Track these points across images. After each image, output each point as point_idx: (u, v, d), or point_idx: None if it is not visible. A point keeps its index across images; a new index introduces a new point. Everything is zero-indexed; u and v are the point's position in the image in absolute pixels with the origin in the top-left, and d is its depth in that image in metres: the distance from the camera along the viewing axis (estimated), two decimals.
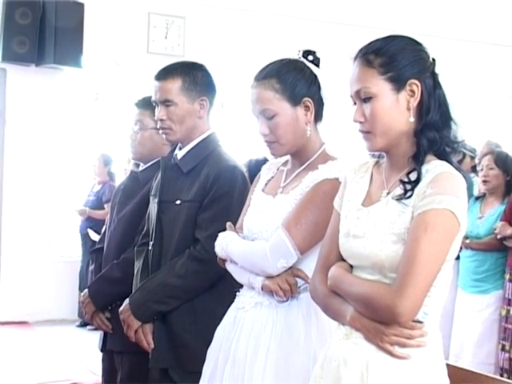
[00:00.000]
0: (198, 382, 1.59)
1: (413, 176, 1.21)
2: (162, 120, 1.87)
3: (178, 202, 1.83)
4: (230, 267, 1.57)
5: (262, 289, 1.48)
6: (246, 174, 1.92)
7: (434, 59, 1.25)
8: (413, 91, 1.22)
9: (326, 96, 1.56)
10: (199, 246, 1.77)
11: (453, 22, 6.43)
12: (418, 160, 1.22)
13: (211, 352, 1.58)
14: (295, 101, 1.52)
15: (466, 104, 5.80)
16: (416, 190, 1.19)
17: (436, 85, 1.24)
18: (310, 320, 1.47)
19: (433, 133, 1.22)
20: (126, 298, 1.87)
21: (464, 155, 3.84)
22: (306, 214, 1.46)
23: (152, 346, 1.79)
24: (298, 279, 1.48)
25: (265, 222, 1.52)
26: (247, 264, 1.51)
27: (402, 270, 1.15)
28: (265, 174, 1.65)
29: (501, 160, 3.51)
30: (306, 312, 1.48)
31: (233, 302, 1.59)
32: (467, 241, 3.41)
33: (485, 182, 3.52)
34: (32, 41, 5.11)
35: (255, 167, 2.97)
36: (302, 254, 1.47)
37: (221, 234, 1.59)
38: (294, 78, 1.52)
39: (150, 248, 1.88)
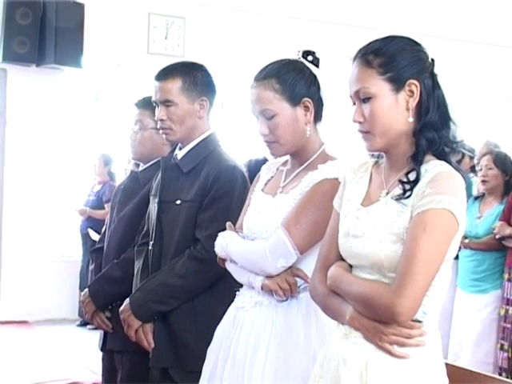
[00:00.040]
0: (198, 381, 1.59)
1: (412, 176, 1.21)
2: (162, 120, 1.87)
3: (178, 201, 1.83)
4: (229, 267, 1.58)
5: (262, 288, 1.49)
6: (246, 174, 1.92)
7: (433, 60, 1.26)
8: (412, 91, 1.22)
9: (325, 96, 1.56)
10: (199, 245, 1.77)
11: (451, 22, 6.44)
12: (416, 160, 1.22)
13: (211, 351, 1.58)
14: (295, 101, 1.52)
15: (465, 104, 5.82)
16: (415, 190, 1.19)
17: (435, 85, 1.25)
18: (309, 319, 1.48)
19: (432, 133, 1.22)
20: (126, 298, 1.87)
21: (463, 155, 3.84)
22: (306, 214, 1.47)
23: (152, 345, 1.80)
24: (297, 279, 1.48)
25: (264, 222, 1.53)
26: (247, 263, 1.51)
27: (401, 270, 1.15)
28: (264, 173, 1.65)
29: (499, 160, 3.52)
30: (305, 311, 1.48)
31: (233, 301, 1.59)
32: (466, 240, 3.42)
33: (484, 181, 3.53)
34: (32, 41, 5.12)
35: (255, 167, 2.98)
36: (301, 254, 1.47)
37: (220, 234, 1.59)
38: (294, 79, 1.52)
39: (150, 248, 1.88)
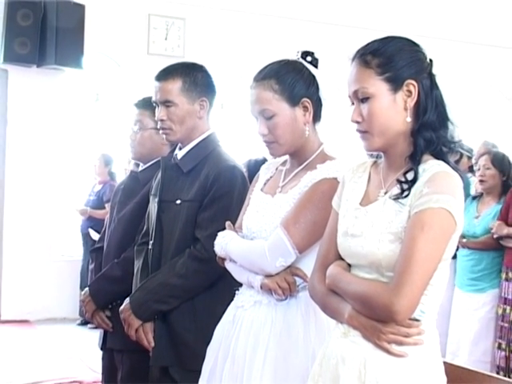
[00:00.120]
0: (198, 380, 1.59)
1: (410, 175, 1.22)
2: (162, 120, 1.88)
3: (178, 201, 1.84)
4: (229, 266, 1.58)
5: (261, 287, 1.49)
6: (246, 174, 1.93)
7: (431, 60, 1.26)
8: (410, 91, 1.23)
9: (324, 96, 1.57)
10: (199, 245, 1.78)
11: (450, 23, 6.45)
12: (414, 160, 1.23)
13: (211, 350, 1.59)
14: (294, 101, 1.53)
15: (463, 105, 5.83)
16: (413, 190, 1.20)
17: (433, 85, 1.25)
18: (308, 318, 1.48)
19: (430, 133, 1.23)
20: (126, 297, 1.88)
21: (461, 155, 3.85)
22: (305, 214, 1.47)
23: (152, 344, 1.80)
24: (296, 278, 1.49)
25: (264, 221, 1.53)
26: (246, 263, 1.52)
27: (399, 269, 1.15)
28: (264, 173, 1.66)
29: (497, 160, 3.53)
30: (304, 311, 1.49)
31: (232, 300, 1.60)
32: (464, 240, 3.43)
33: (481, 181, 3.54)
34: (33, 42, 5.13)
35: (254, 167, 2.98)
36: (300, 253, 1.48)
37: (220, 233, 1.59)
38: (293, 79, 1.53)
39: (150, 247, 1.88)
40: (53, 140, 5.53)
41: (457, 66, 6.22)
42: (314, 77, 1.56)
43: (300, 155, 1.57)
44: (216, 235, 1.60)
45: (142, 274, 1.89)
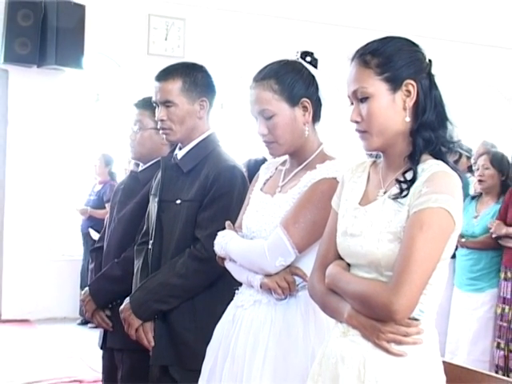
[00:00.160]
0: (198, 379, 1.60)
1: (409, 175, 1.22)
2: (162, 120, 1.88)
3: (178, 201, 1.84)
4: (229, 265, 1.59)
5: (261, 287, 1.49)
6: (246, 174, 1.93)
7: (430, 60, 1.27)
8: (409, 91, 1.23)
9: (323, 96, 1.57)
10: (199, 245, 1.78)
11: (449, 23, 6.46)
12: (413, 159, 1.23)
13: (210, 350, 1.59)
14: (293, 101, 1.53)
15: (462, 105, 5.84)
16: (412, 189, 1.20)
17: (432, 85, 1.25)
18: (308, 318, 1.49)
19: (428, 132, 1.23)
20: (126, 297, 1.88)
21: (460, 155, 3.86)
22: (304, 213, 1.47)
23: (152, 344, 1.81)
24: (296, 277, 1.49)
25: (263, 221, 1.54)
26: (246, 262, 1.52)
27: (398, 268, 1.16)
28: (263, 173, 1.66)
29: (496, 160, 3.54)
30: (304, 310, 1.49)
31: (232, 300, 1.60)
32: (463, 239, 3.44)
33: (480, 181, 3.55)
34: (34, 42, 5.13)
35: (254, 167, 2.98)
36: (300, 253, 1.48)
37: (220, 233, 1.60)
38: (293, 79, 1.53)
39: (150, 247, 1.89)
40: (53, 140, 5.54)
41: (456, 67, 6.22)
42: (313, 77, 1.56)
43: (299, 155, 1.57)
44: (216, 235, 1.61)
45: (142, 274, 1.89)
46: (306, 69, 1.57)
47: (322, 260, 1.31)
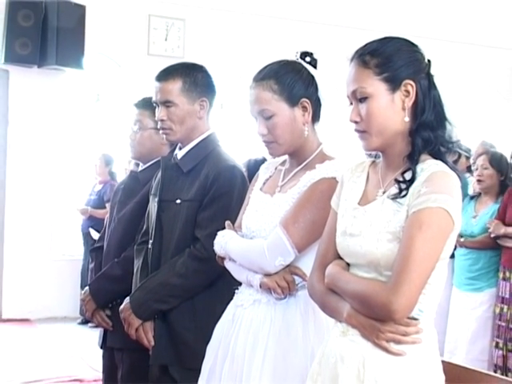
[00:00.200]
0: (198, 378, 1.60)
1: (408, 175, 1.22)
2: (162, 120, 1.89)
3: (178, 201, 1.85)
4: (228, 265, 1.59)
5: (261, 286, 1.50)
6: (245, 174, 1.94)
7: (429, 60, 1.27)
8: (408, 91, 1.23)
9: (323, 97, 1.57)
10: (199, 244, 1.79)
11: (448, 24, 6.46)
12: (412, 159, 1.23)
13: (210, 349, 1.59)
14: (293, 101, 1.54)
15: (461, 105, 5.84)
16: (411, 189, 1.20)
17: (431, 85, 1.26)
18: (307, 317, 1.49)
19: (427, 132, 1.24)
20: (126, 296, 1.88)
21: (459, 155, 3.87)
22: (304, 213, 1.48)
23: (152, 343, 1.81)
24: (295, 277, 1.49)
25: (263, 221, 1.54)
26: (245, 262, 1.52)
27: (397, 268, 1.16)
28: (263, 173, 1.67)
29: (495, 160, 3.54)
30: (303, 309, 1.49)
31: (232, 299, 1.61)
32: (461, 239, 3.44)
33: (479, 181, 3.55)
34: (34, 42, 5.14)
35: (254, 167, 2.99)
36: (299, 252, 1.48)
37: (220, 233, 1.60)
38: (292, 79, 1.54)
39: (150, 247, 1.89)
40: (54, 140, 5.55)
41: (455, 67, 6.23)
42: (312, 77, 1.57)
43: (299, 155, 1.57)
44: (216, 234, 1.61)
45: (142, 274, 1.90)
46: (306, 69, 1.57)
47: (322, 260, 1.32)
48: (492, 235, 3.41)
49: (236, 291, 1.61)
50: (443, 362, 1.27)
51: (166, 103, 1.87)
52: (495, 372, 3.20)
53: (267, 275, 1.49)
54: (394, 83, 1.23)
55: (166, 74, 1.90)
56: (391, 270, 1.18)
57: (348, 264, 1.28)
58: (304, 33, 5.93)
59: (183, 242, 1.82)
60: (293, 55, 1.59)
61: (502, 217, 3.42)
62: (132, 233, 2.07)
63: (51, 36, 5.14)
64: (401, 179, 1.23)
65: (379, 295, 1.17)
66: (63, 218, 5.69)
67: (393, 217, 1.21)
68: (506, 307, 3.39)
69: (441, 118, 1.26)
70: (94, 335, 2.99)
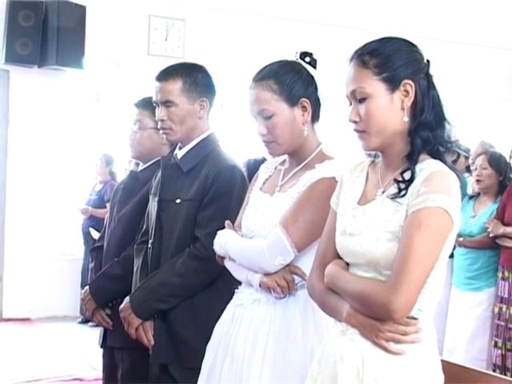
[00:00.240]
0: (197, 377, 1.60)
1: (407, 175, 1.23)
2: (162, 120, 1.89)
3: (178, 200, 1.85)
4: (228, 264, 1.59)
5: (260, 286, 1.50)
6: (245, 174, 1.94)
7: (428, 61, 1.27)
8: (407, 91, 1.24)
9: (322, 97, 1.58)
10: (199, 244, 1.79)
11: (447, 24, 6.46)
12: (411, 159, 1.23)
13: (210, 348, 1.60)
14: (292, 101, 1.54)
15: (461, 105, 5.84)
16: (410, 189, 1.20)
17: (430, 85, 1.26)
18: (307, 317, 1.49)
19: (426, 132, 1.24)
20: (126, 295, 1.89)
21: (458, 155, 3.87)
22: (304, 213, 1.48)
23: (152, 342, 1.81)
24: (295, 276, 1.50)
25: (263, 220, 1.54)
26: (245, 261, 1.53)
27: (397, 268, 1.16)
28: (263, 173, 1.67)
29: (494, 160, 3.54)
30: (303, 309, 1.50)
31: (231, 298, 1.61)
32: (460, 239, 3.44)
33: (478, 181, 3.55)
34: (35, 42, 5.14)
35: (254, 167, 2.99)
36: (299, 252, 1.49)
37: (219, 232, 1.61)
38: (292, 79, 1.54)
39: (150, 246, 1.89)
40: (54, 140, 5.55)
41: (454, 67, 6.23)
42: (312, 77, 1.57)
43: (299, 155, 1.58)
44: (215, 234, 1.61)
45: (142, 273, 1.90)
46: (305, 69, 1.57)
47: (321, 259, 1.32)
48: (491, 235, 3.42)
49: (236, 290, 1.61)
50: (442, 361, 1.28)
51: (166, 103, 1.88)
52: (494, 371, 3.21)
53: (267, 274, 1.50)
54: (393, 83, 1.23)
55: (166, 74, 1.90)
56: (391, 269, 1.18)
57: (347, 263, 1.28)
58: (304, 33, 5.93)
59: (183, 242, 1.82)
60: (292, 55, 1.60)
61: (500, 216, 3.42)
62: (132, 232, 2.07)
63: (51, 36, 5.14)
64: (400, 179, 1.23)
65: (379, 295, 1.17)
66: (63, 217, 5.69)
67: (392, 216, 1.21)
68: (504, 307, 3.39)
69: (440, 118, 1.26)
70: (94, 334, 2.99)
